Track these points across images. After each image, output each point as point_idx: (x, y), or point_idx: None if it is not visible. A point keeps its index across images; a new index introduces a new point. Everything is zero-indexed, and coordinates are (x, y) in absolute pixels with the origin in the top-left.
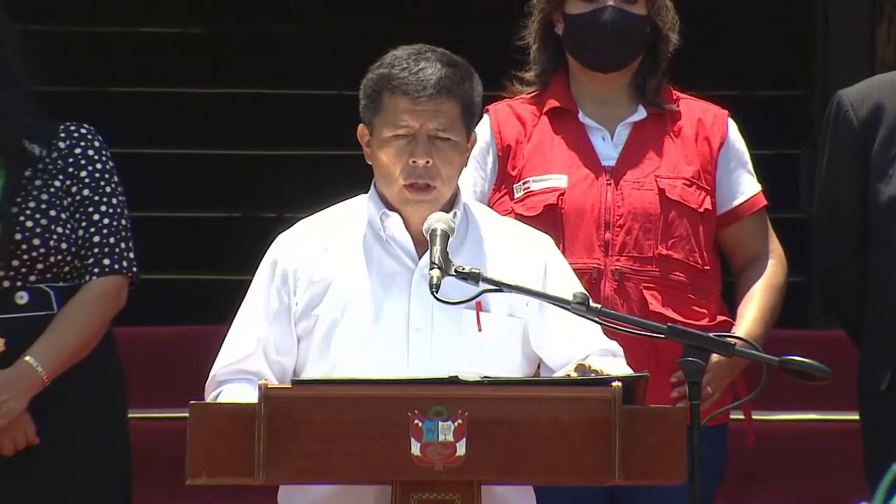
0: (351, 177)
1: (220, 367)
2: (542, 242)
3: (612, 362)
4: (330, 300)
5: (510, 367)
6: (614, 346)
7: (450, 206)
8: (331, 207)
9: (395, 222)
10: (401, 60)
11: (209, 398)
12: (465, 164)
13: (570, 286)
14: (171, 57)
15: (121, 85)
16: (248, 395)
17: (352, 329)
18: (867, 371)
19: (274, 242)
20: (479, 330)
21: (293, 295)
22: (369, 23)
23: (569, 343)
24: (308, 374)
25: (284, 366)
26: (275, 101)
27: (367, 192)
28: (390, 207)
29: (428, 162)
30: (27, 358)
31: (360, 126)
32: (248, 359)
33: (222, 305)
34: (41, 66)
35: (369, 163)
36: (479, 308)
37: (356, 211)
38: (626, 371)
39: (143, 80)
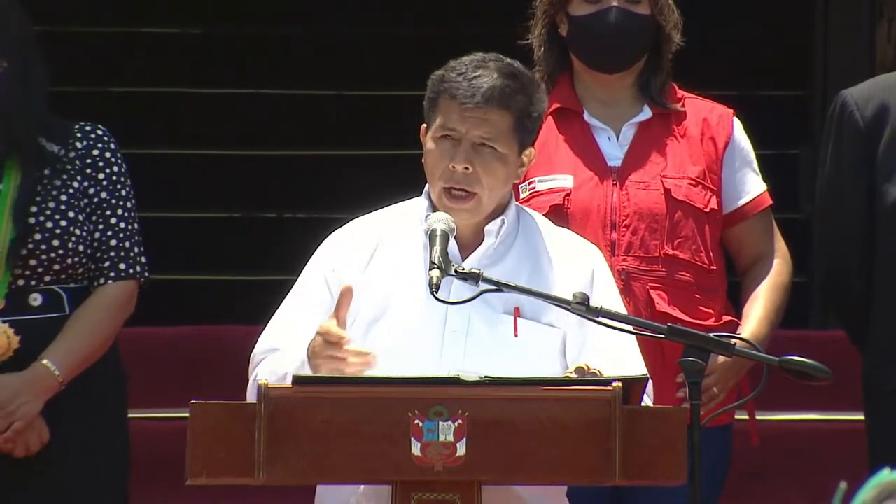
0: (353, 177)
1: (254, 353)
2: (591, 253)
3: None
4: (370, 300)
5: (546, 374)
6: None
7: (496, 214)
8: (389, 206)
9: None
10: (462, 65)
11: (251, 378)
12: (518, 178)
13: (612, 299)
14: (172, 57)
15: (121, 85)
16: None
17: (388, 329)
18: (874, 372)
19: (326, 239)
20: (516, 335)
21: (335, 295)
22: (370, 23)
23: (607, 368)
24: None
25: None
26: (275, 101)
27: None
28: (437, 209)
29: (467, 168)
30: (44, 361)
31: (423, 125)
32: (281, 341)
33: (223, 306)
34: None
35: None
36: (516, 314)
37: (410, 212)
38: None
39: (143, 80)
